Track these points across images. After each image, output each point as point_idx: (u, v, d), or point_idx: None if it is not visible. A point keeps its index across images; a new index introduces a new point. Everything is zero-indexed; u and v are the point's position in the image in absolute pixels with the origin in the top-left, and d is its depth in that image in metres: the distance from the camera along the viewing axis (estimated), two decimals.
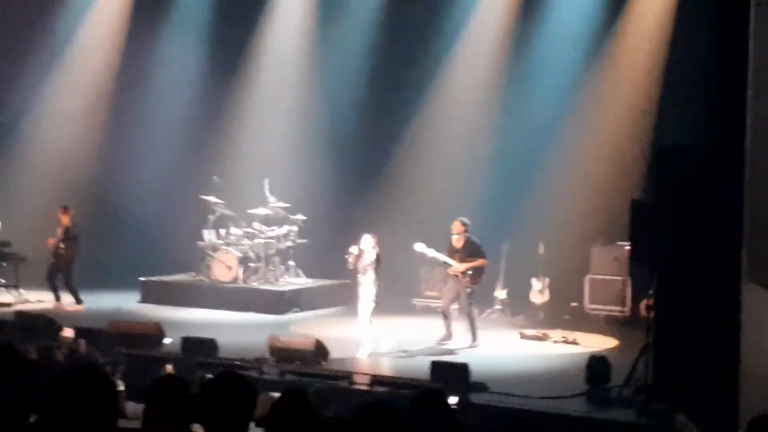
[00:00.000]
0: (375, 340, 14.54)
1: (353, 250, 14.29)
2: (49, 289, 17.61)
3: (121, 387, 8.98)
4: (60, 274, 17.57)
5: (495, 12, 18.87)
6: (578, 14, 17.89)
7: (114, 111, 20.36)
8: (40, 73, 20.28)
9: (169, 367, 10.00)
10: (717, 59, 10.82)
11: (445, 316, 15.00)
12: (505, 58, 18.54)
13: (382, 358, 14.13)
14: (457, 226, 15.09)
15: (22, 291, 18.20)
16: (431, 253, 15.05)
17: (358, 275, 14.33)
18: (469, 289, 14.91)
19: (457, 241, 15.03)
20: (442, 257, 15.01)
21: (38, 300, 17.94)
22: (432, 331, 15.26)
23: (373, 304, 14.25)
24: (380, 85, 19.05)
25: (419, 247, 15.08)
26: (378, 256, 14.19)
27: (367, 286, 14.24)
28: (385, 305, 17.39)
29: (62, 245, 17.43)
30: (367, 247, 14.20)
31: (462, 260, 14.89)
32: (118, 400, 5.16)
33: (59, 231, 17.48)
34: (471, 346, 14.75)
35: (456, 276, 14.90)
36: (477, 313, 15.57)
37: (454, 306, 15.20)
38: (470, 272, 14.84)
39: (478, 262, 14.94)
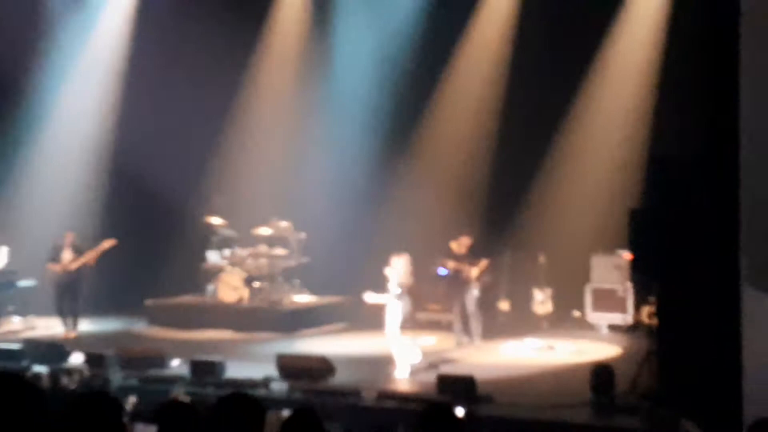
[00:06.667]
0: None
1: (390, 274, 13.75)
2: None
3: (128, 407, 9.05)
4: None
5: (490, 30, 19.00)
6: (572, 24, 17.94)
7: (117, 132, 20.20)
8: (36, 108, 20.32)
9: (179, 391, 10.08)
10: (710, 69, 10.96)
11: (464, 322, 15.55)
12: (506, 72, 18.59)
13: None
14: (465, 240, 15.60)
15: (29, 318, 18.28)
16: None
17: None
18: (477, 292, 15.45)
19: (459, 247, 15.48)
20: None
21: (46, 326, 18.02)
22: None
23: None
24: (384, 101, 19.04)
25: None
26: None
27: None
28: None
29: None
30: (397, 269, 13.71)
31: (472, 265, 15.37)
32: (126, 426, 5.27)
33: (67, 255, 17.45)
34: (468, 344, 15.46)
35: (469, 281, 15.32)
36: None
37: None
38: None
39: (485, 264, 15.48)
